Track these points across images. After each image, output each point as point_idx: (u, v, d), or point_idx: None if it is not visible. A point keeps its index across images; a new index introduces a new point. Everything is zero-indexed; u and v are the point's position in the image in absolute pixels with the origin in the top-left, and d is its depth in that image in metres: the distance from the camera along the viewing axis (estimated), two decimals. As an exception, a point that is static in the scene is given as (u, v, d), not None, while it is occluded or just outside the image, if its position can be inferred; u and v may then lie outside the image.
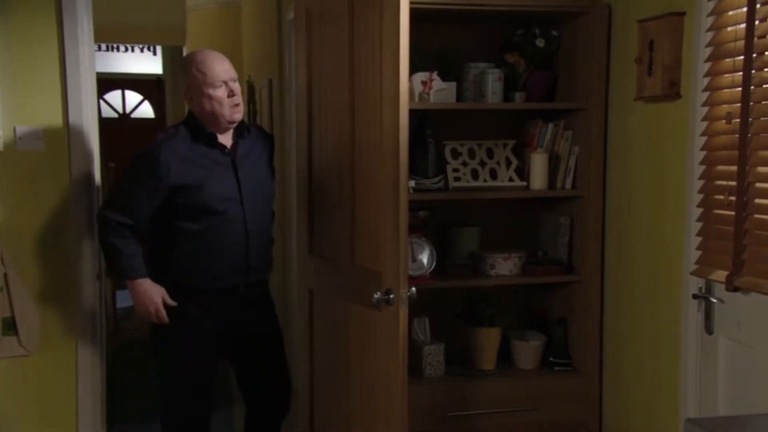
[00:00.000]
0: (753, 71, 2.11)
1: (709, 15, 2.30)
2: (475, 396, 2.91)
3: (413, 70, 2.67)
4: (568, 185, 2.98)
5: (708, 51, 2.31)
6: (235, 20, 6.24)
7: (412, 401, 2.48)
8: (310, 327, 2.89)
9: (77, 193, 2.88)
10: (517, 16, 2.93)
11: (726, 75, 2.23)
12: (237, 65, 6.44)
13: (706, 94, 2.32)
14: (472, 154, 2.99)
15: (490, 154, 3.02)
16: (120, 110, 8.55)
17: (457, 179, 2.93)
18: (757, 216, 2.12)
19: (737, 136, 2.15)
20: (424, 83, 2.80)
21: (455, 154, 2.97)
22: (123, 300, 5.93)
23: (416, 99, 2.79)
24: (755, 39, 2.09)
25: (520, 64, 2.96)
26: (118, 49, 8.39)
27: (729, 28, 2.22)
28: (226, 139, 2.53)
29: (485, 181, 2.96)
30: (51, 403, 2.94)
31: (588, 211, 2.93)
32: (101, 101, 8.07)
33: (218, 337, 2.58)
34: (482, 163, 2.99)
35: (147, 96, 8.63)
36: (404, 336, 2.43)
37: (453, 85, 2.87)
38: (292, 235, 4.17)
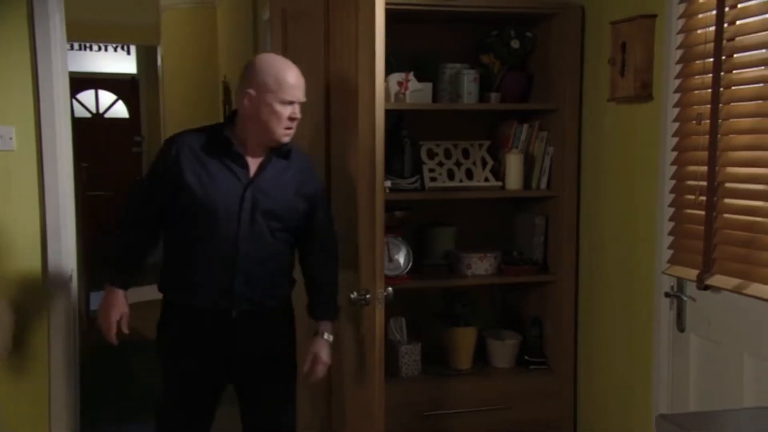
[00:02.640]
0: (722, 73, 2.14)
1: (680, 17, 2.34)
2: (451, 395, 2.92)
3: (389, 70, 2.68)
4: (543, 185, 3.01)
5: (679, 53, 2.35)
6: (210, 20, 6.21)
7: (388, 400, 2.49)
8: (286, 327, 2.88)
9: (49, 193, 2.84)
10: (492, 17, 2.95)
11: (696, 77, 2.27)
12: (212, 65, 6.44)
13: (677, 95, 2.36)
14: (448, 154, 3.01)
15: (465, 154, 3.04)
16: (93, 110, 8.44)
17: (433, 179, 2.94)
18: (726, 216, 2.16)
19: (707, 136, 2.18)
20: (400, 84, 2.81)
21: (431, 155, 2.98)
22: (96, 302, 5.87)
23: (392, 99, 2.79)
24: (724, 41, 2.13)
25: (495, 65, 2.98)
26: (91, 48, 8.29)
27: (699, 31, 2.26)
28: (256, 154, 2.26)
29: (461, 181, 2.98)
30: (24, 405, 2.90)
31: (562, 211, 2.96)
32: (74, 101, 7.97)
33: (207, 360, 2.32)
34: (458, 164, 3.01)
35: (121, 96, 8.54)
36: (381, 335, 2.44)
37: (429, 85, 2.88)
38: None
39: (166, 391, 2.40)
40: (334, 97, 2.59)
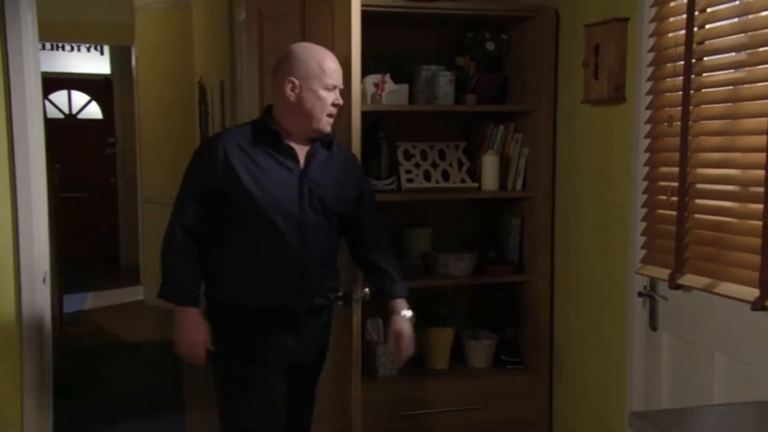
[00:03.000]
0: (692, 76, 2.18)
1: (652, 21, 2.38)
2: (429, 395, 2.94)
3: (365, 72, 2.69)
4: (519, 186, 3.04)
5: (650, 56, 2.38)
6: (185, 20, 6.17)
7: (366, 401, 2.50)
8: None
9: (22, 195, 2.81)
10: (468, 19, 2.97)
11: (668, 79, 2.31)
12: (188, 66, 6.39)
13: (649, 97, 2.39)
14: (424, 155, 3.02)
15: (442, 155, 3.06)
16: (66, 111, 8.34)
17: (409, 180, 2.95)
18: (697, 216, 2.19)
19: (678, 138, 2.22)
20: (376, 85, 2.81)
21: (408, 156, 3.00)
22: (70, 304, 5.82)
23: (369, 101, 2.80)
24: (694, 45, 2.17)
25: (470, 67, 3.00)
26: (63, 48, 8.19)
27: (670, 34, 2.30)
28: (301, 148, 2.19)
29: (437, 182, 2.99)
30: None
31: (538, 211, 2.99)
32: (46, 101, 7.87)
33: (277, 364, 2.21)
34: (434, 165, 3.02)
35: (94, 96, 8.45)
36: (358, 336, 2.45)
37: (405, 87, 2.90)
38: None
39: (242, 404, 2.19)
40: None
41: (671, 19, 2.30)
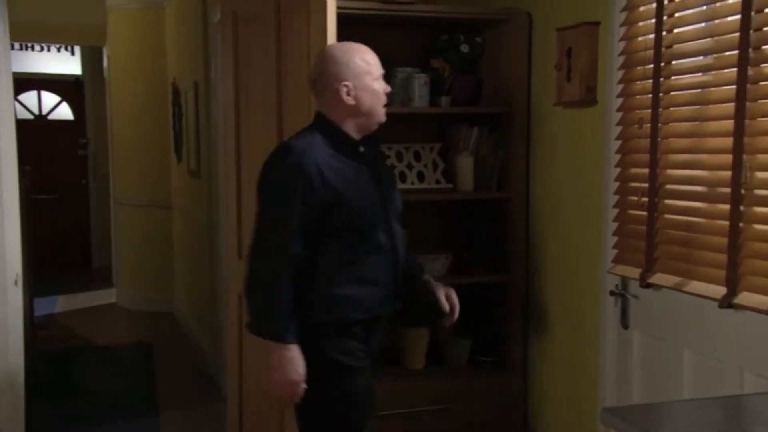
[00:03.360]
0: (661, 79, 2.23)
1: (622, 25, 2.42)
2: (406, 394, 2.96)
3: (341, 74, 2.69)
4: (494, 187, 3.07)
5: (621, 59, 2.43)
6: (158, 21, 6.12)
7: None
8: (239, 331, 2.87)
9: (-7, 197, 2.78)
10: (442, 22, 3.00)
11: (638, 82, 2.36)
12: (161, 67, 6.35)
13: (620, 100, 2.44)
14: (399, 157, 3.04)
15: (417, 156, 3.08)
16: (36, 112, 8.22)
17: (385, 182, 2.96)
18: (666, 216, 2.24)
19: (648, 140, 2.27)
20: (351, 87, 2.82)
21: (383, 157, 3.01)
22: (41, 308, 5.75)
23: (344, 103, 2.81)
24: (663, 49, 2.22)
25: (445, 70, 3.03)
26: (33, 48, 8.08)
27: (640, 38, 2.35)
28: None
29: (413, 183, 3.01)
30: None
31: (513, 212, 3.03)
32: (16, 102, 7.74)
33: (368, 370, 2.20)
34: (410, 166, 3.04)
35: (65, 97, 8.34)
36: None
37: (380, 89, 2.91)
38: (220, 239, 4.14)
39: (350, 415, 2.16)
40: (286, 101, 2.60)
41: (641, 24, 2.35)
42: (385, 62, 2.97)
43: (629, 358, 2.44)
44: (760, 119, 1.94)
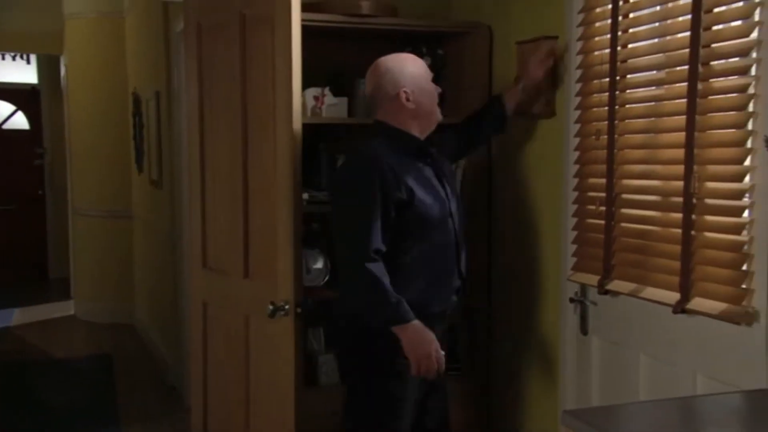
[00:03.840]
0: (617, 92, 2.31)
1: (579, 39, 2.50)
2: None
3: (305, 85, 2.72)
4: (455, 197, 3.12)
5: (578, 73, 2.51)
6: (117, 30, 6.07)
7: (308, 408, 2.53)
8: (203, 340, 2.87)
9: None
10: (405, 35, 3.05)
11: (594, 95, 2.44)
12: (121, 76, 6.30)
13: (578, 112, 2.52)
14: (363, 167, 3.07)
15: (380, 167, 3.11)
16: (-10, 121, 8.07)
17: (349, 192, 3.00)
18: (623, 224, 2.32)
19: (605, 151, 2.35)
20: (316, 98, 2.86)
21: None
22: (5, 318, 5.63)
23: (309, 114, 2.84)
24: (618, 63, 2.30)
25: (408, 81, 3.07)
26: (-14, 56, 7.94)
27: (596, 53, 2.43)
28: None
29: (377, 193, 3.04)
30: None
31: (475, 220, 3.08)
32: (-31, 111, 7.60)
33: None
34: (373, 176, 3.07)
35: (21, 106, 8.19)
36: (299, 345, 2.48)
37: (344, 100, 2.94)
38: (183, 248, 4.12)
39: (399, 413, 2.29)
40: (251, 112, 2.62)
41: (597, 38, 2.43)
42: (349, 74, 3.04)
43: (588, 364, 2.51)
44: (709, 131, 2.02)
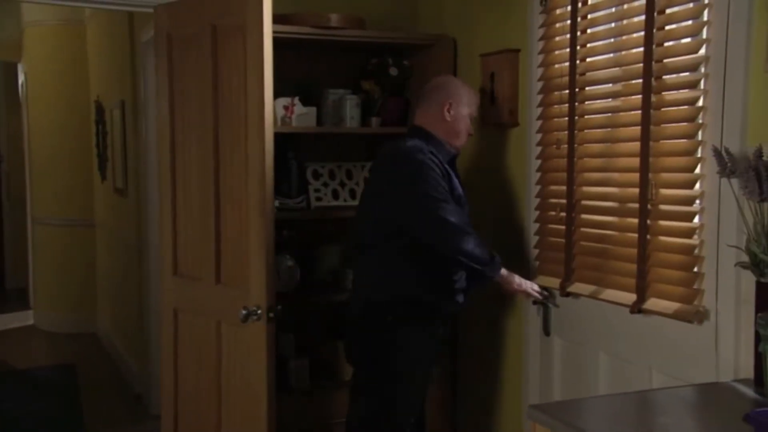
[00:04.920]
0: (576, 103, 2.43)
1: (540, 53, 2.62)
2: (340, 405, 3.02)
3: (275, 95, 2.77)
4: (421, 204, 3.21)
5: (540, 84, 2.62)
6: (78, 38, 6.03)
7: (279, 413, 2.58)
8: (174, 347, 2.90)
9: None
10: (372, 46, 3.13)
11: (555, 106, 2.55)
12: (82, 84, 6.24)
13: (540, 122, 2.63)
14: (332, 175, 3.15)
15: (349, 175, 3.19)
16: (-56, 128, 7.91)
17: (318, 199, 3.07)
18: (583, 229, 2.44)
19: (566, 159, 2.46)
20: (286, 108, 2.92)
21: (316, 175, 3.11)
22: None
23: (279, 123, 2.90)
24: (577, 76, 2.42)
25: (375, 91, 3.16)
26: (-62, 63, 7.78)
27: (556, 65, 2.54)
28: None
29: (345, 200, 3.12)
30: None
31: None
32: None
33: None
34: (342, 184, 3.15)
35: (-24, 114, 8.05)
36: (272, 350, 2.53)
37: (313, 110, 3.01)
38: (150, 256, 4.13)
39: (407, 401, 2.50)
40: (222, 120, 2.66)
41: (557, 52, 2.55)
42: (318, 84, 3.11)
43: (551, 363, 2.62)
44: (662, 141, 2.15)
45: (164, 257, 2.91)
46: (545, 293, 2.54)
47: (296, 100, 2.94)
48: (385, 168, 2.49)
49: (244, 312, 2.49)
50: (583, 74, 2.42)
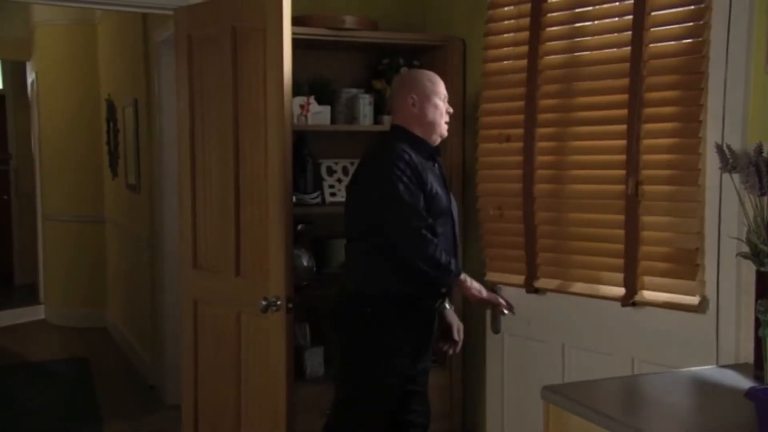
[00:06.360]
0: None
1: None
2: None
3: (292, 94, 2.87)
4: (431, 200, 3.31)
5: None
6: (89, 37, 6.12)
7: (294, 401, 2.67)
8: (194, 337, 2.99)
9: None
10: (384, 47, 3.23)
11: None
12: (93, 83, 6.32)
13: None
14: (346, 171, 3.24)
15: (361, 171, 3.29)
16: (-47, 126, 7.99)
17: (332, 194, 3.17)
18: (543, 227, 2.61)
19: (521, 157, 2.64)
20: (302, 107, 3.01)
21: (330, 172, 3.21)
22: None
23: (295, 121, 2.99)
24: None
25: (386, 90, 3.25)
26: (-52, 61, 7.88)
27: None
28: None
29: (357, 196, 3.21)
30: None
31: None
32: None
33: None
34: (354, 180, 3.25)
35: (-15, 111, 8.14)
36: (291, 339, 2.63)
37: (327, 108, 3.11)
38: (164, 250, 4.22)
39: (383, 395, 2.55)
40: (242, 119, 2.75)
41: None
42: (331, 84, 3.21)
43: (501, 359, 2.80)
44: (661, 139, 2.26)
45: (184, 251, 3.00)
46: (510, 305, 2.62)
47: (311, 99, 3.03)
48: (363, 169, 2.57)
49: (264, 302, 2.59)
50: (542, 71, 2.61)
